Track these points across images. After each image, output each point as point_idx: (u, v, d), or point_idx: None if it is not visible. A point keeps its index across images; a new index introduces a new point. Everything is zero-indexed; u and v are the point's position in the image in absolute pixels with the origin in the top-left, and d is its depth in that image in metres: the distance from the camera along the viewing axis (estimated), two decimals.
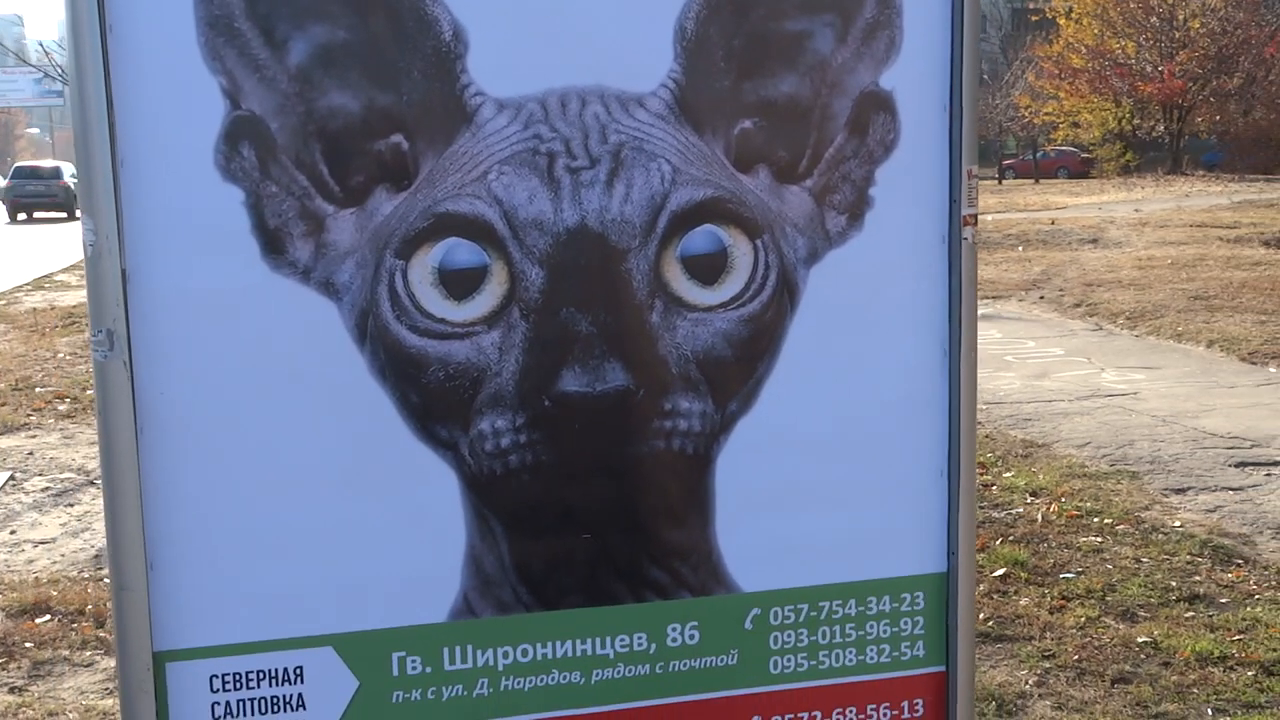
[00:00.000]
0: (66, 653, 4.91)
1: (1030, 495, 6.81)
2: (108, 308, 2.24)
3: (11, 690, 4.58)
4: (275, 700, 2.43)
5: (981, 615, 5.04)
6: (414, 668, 2.48)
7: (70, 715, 4.38)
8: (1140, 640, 4.82)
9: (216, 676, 2.40)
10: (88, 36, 2.18)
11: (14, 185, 41.07)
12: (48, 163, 44.53)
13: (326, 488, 2.40)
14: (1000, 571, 5.59)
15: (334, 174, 2.33)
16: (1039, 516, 6.40)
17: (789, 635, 2.65)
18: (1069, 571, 5.61)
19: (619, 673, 2.57)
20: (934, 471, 2.66)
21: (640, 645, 2.58)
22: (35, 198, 40.53)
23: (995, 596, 5.35)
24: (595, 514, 2.52)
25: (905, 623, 2.70)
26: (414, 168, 2.36)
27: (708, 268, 2.48)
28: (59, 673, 4.74)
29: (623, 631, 2.56)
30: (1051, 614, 5.14)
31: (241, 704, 2.42)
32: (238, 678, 2.41)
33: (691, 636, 2.60)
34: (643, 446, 2.50)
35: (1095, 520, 6.35)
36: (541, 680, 2.54)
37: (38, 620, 5.20)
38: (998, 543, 5.98)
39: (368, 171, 2.34)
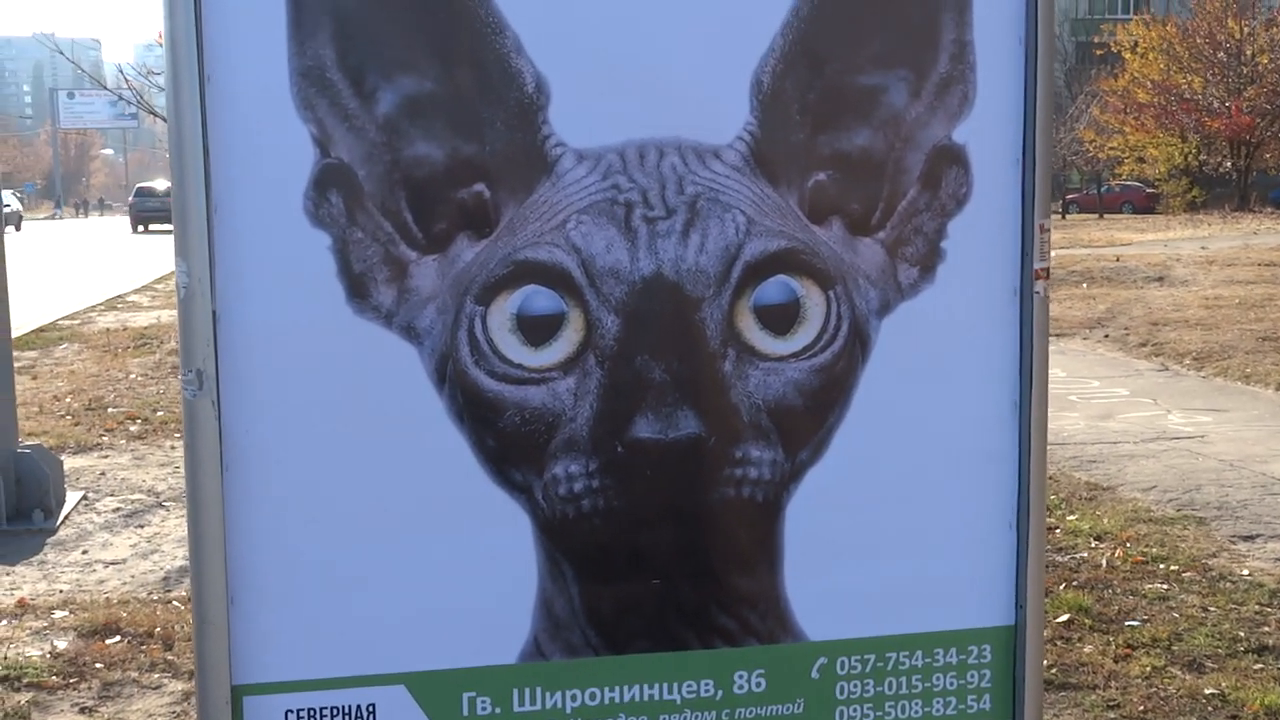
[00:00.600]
0: (135, 674, 4.99)
1: (1095, 540, 6.75)
2: (198, 348, 2.30)
3: (82, 710, 4.66)
4: None
5: (1045, 662, 5.00)
6: (484, 708, 2.52)
7: None
8: (1207, 692, 4.75)
9: (292, 711, 2.45)
10: (186, 86, 2.26)
11: (136, 203, 51.33)
12: (161, 184, 52.04)
13: (403, 528, 2.45)
14: (1064, 618, 5.53)
15: (418, 221, 2.39)
16: (1104, 562, 6.34)
17: (855, 685, 2.66)
18: (1134, 619, 5.55)
19: (686, 718, 2.59)
20: (1003, 524, 2.67)
21: (707, 692, 2.60)
22: (151, 213, 49.06)
23: (1059, 643, 5.29)
24: (665, 560, 2.55)
25: (972, 675, 2.70)
26: (495, 216, 2.41)
27: (780, 318, 2.51)
28: (128, 694, 4.81)
29: (690, 678, 2.58)
30: (1116, 663, 5.08)
31: None
32: (313, 713, 2.45)
33: (758, 684, 2.62)
34: (713, 494, 2.53)
35: (1161, 567, 6.27)
36: None
37: (108, 641, 5.28)
38: (1061, 588, 5.92)
39: (450, 219, 2.40)
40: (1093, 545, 6.63)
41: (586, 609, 2.53)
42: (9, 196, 58.62)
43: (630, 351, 2.46)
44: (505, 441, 2.45)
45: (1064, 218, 44.36)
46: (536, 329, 2.43)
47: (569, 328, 2.45)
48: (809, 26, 2.48)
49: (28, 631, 5.43)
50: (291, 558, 2.41)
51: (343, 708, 2.46)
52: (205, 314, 2.29)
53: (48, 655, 5.11)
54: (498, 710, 2.52)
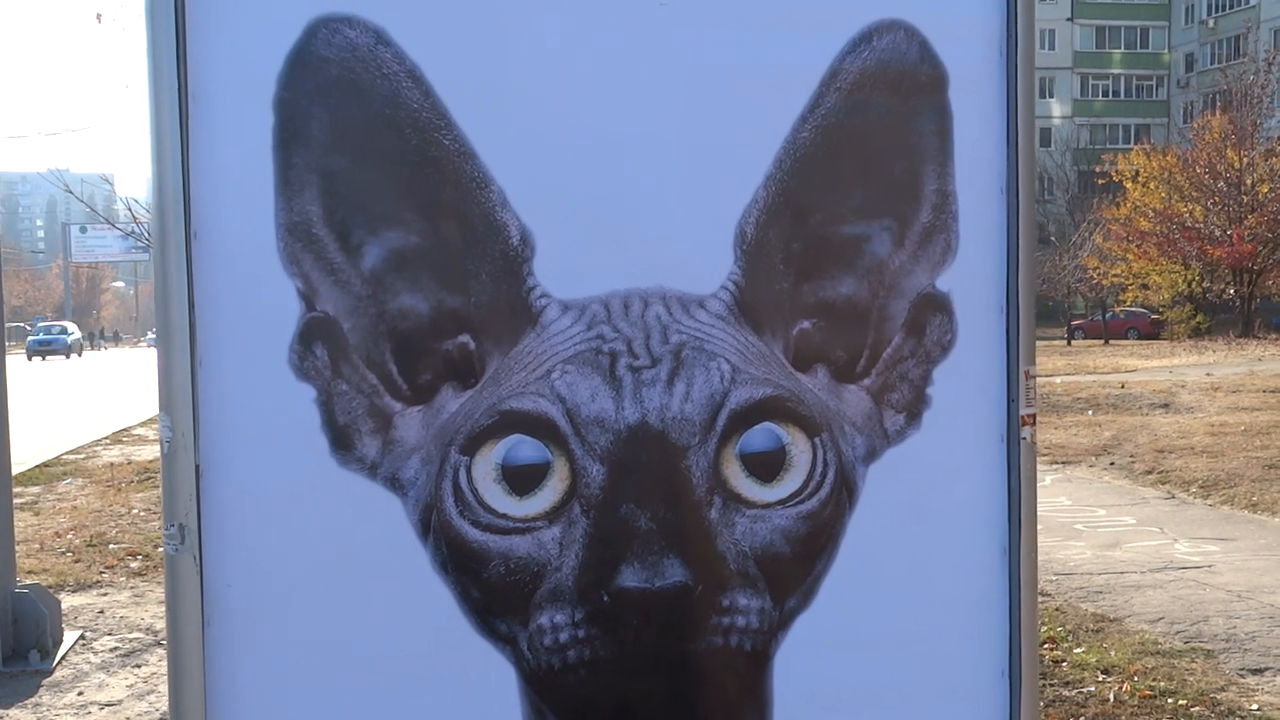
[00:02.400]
0: None
1: (1102, 673, 6.64)
2: (181, 502, 2.31)
3: None
4: None
5: None
6: None
7: None
8: None
9: None
10: (173, 241, 2.29)
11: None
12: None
13: (387, 680, 2.42)
14: None
15: (402, 373, 2.40)
16: (1111, 696, 6.23)
17: None
18: None
19: None
20: (995, 672, 2.63)
21: None
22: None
23: None
24: (652, 711, 2.51)
25: None
26: (480, 366, 2.43)
27: (766, 465, 2.51)
28: None
29: None
30: None
31: None
32: None
33: None
34: (700, 642, 2.50)
35: (1169, 701, 6.17)
36: None
37: None
38: None
39: (435, 370, 2.41)
40: (1100, 679, 6.53)
41: None
42: (71, 326, 64.43)
43: (616, 500, 2.45)
44: (490, 592, 2.44)
45: (1069, 344, 44.49)
46: (522, 479, 2.43)
47: (554, 477, 2.44)
48: (792, 178, 2.52)
49: None
50: (274, 710, 2.38)
51: None
52: (188, 468, 2.30)
53: None
54: None
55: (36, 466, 15.55)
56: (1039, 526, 8.14)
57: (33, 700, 6.46)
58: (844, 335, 2.56)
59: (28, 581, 7.81)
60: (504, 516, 2.43)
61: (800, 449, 2.53)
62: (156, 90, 2.29)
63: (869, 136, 2.54)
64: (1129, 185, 46.29)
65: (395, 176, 2.39)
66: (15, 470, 14.20)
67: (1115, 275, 46.24)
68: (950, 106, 2.57)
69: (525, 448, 2.44)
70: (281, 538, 2.37)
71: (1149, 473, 13.81)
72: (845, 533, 2.57)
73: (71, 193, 20.81)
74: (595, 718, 2.50)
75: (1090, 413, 19.59)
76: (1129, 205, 45.93)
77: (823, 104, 2.53)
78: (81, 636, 7.61)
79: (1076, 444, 16.10)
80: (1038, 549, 2.64)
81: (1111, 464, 14.55)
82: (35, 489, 13.84)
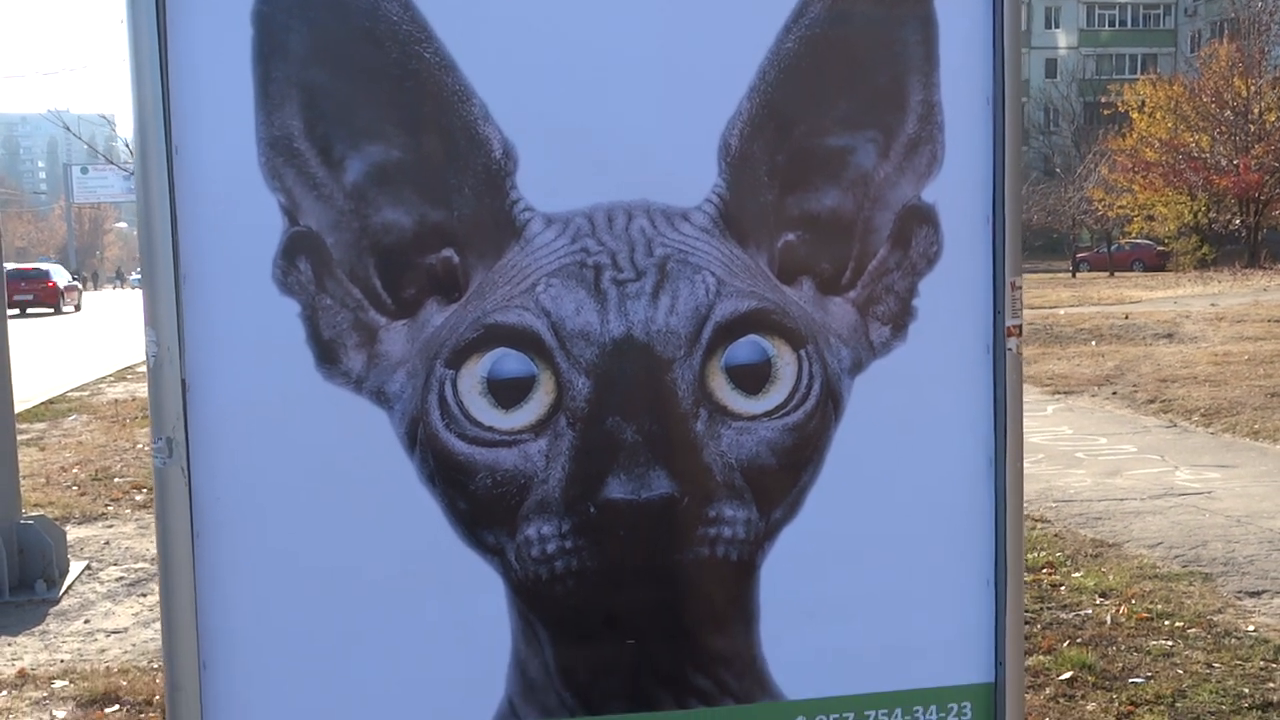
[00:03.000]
0: None
1: (1100, 596, 6.69)
2: (168, 416, 2.32)
3: None
4: None
5: None
6: None
7: None
8: None
9: None
10: (154, 157, 2.29)
11: None
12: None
13: (376, 592, 2.45)
14: (1067, 675, 5.47)
15: (387, 287, 2.41)
16: (1108, 618, 6.28)
17: None
18: (1138, 676, 5.49)
19: None
20: (981, 581, 2.66)
21: None
22: None
23: (1061, 701, 5.24)
24: (639, 620, 2.54)
25: None
26: (464, 280, 2.43)
27: (752, 377, 2.52)
28: None
29: None
30: None
31: None
32: None
33: None
34: (687, 553, 2.52)
35: (1166, 623, 6.21)
36: None
37: (107, 710, 5.25)
38: (1065, 645, 5.87)
39: (419, 284, 2.42)
40: (1097, 602, 6.58)
41: (561, 670, 2.52)
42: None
43: (602, 413, 2.47)
44: (477, 504, 2.46)
45: (1074, 276, 44.37)
46: (507, 392, 2.44)
47: (540, 390, 2.45)
48: (776, 90, 2.50)
49: (27, 702, 5.42)
50: (263, 623, 2.41)
51: None
52: (174, 383, 2.31)
53: None
54: None
55: (42, 403, 15.62)
56: (1040, 455, 8.19)
57: (40, 628, 6.53)
58: (829, 247, 2.55)
59: (34, 514, 7.87)
60: (490, 429, 2.45)
61: (785, 361, 2.54)
62: (134, 5, 2.28)
63: (853, 47, 2.53)
64: (1135, 116, 45.97)
65: (375, 90, 2.38)
66: (22, 407, 14.26)
67: (1121, 207, 46.05)
68: (935, 16, 2.56)
69: (510, 361, 2.44)
70: (269, 451, 2.39)
71: (1151, 402, 13.83)
72: (831, 444, 2.58)
73: (72, 133, 20.75)
74: (583, 628, 2.52)
75: (1093, 343, 19.59)
76: (1135, 136, 45.64)
77: (807, 14, 2.51)
78: (87, 567, 7.67)
79: (1079, 374, 16.11)
80: (1023, 459, 2.65)
81: (1114, 394, 14.57)
82: (41, 425, 13.91)
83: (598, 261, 2.46)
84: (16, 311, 41.37)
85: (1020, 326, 2.59)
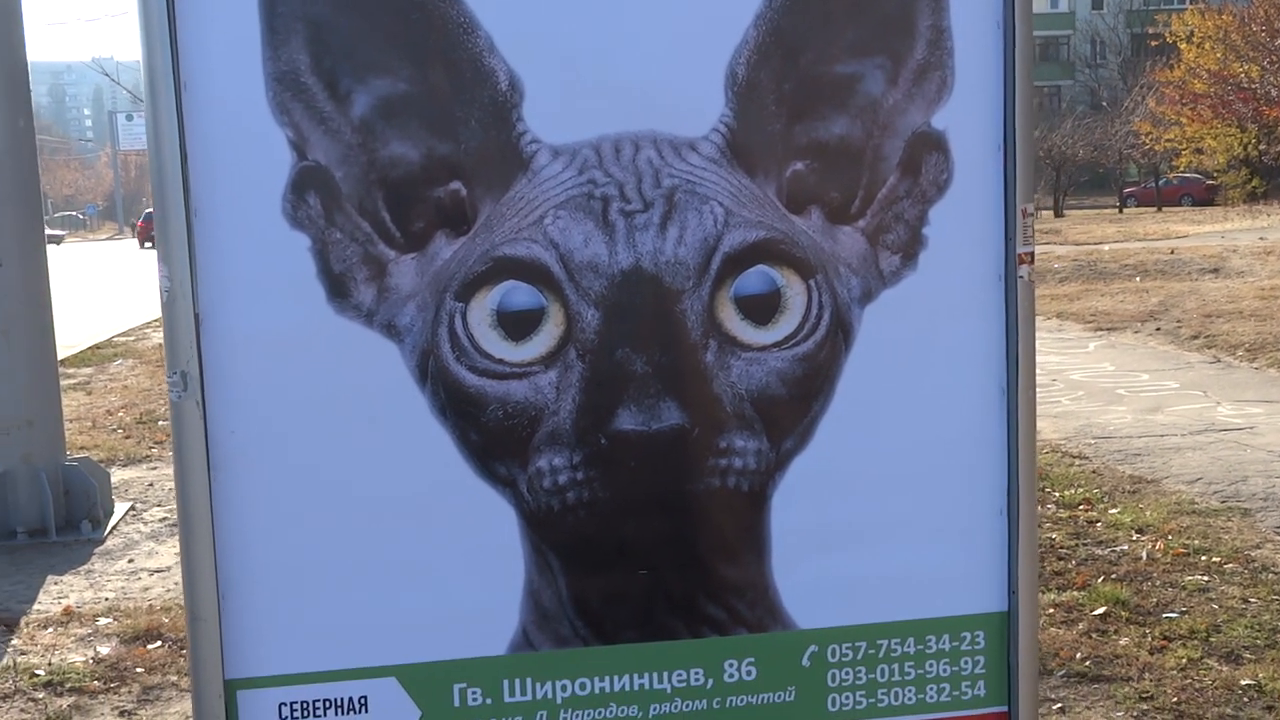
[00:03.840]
0: (174, 678, 5.06)
1: (1136, 532, 6.68)
2: (182, 350, 2.35)
3: (121, 713, 4.73)
4: None
5: (1078, 655, 4.96)
6: (474, 699, 2.55)
7: None
8: (1244, 683, 4.69)
9: (285, 704, 2.49)
10: (163, 93, 2.31)
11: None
12: None
13: (389, 523, 2.48)
14: (1100, 610, 5.47)
15: (395, 220, 2.42)
16: (1144, 554, 6.27)
17: (847, 673, 2.66)
18: (1172, 611, 5.49)
19: (676, 707, 2.61)
20: (993, 510, 2.66)
21: (697, 680, 2.61)
22: None
23: (1094, 636, 5.25)
24: (651, 550, 2.56)
25: (965, 662, 2.70)
26: (472, 213, 2.44)
27: (761, 308, 2.52)
28: (166, 698, 4.88)
29: (679, 667, 2.60)
30: (1152, 654, 5.02)
31: None
32: (305, 706, 2.49)
33: (749, 673, 2.63)
34: (698, 484, 2.54)
35: (1202, 559, 6.19)
36: (599, 713, 2.59)
37: (149, 646, 5.36)
38: (1099, 580, 5.86)
39: (428, 218, 2.43)
40: (1134, 538, 6.56)
41: (574, 600, 2.55)
42: None
43: (611, 344, 2.48)
44: (488, 436, 2.48)
45: (1121, 211, 43.88)
46: (517, 324, 2.46)
47: (549, 322, 2.47)
48: (783, 17, 2.49)
49: (72, 638, 5.54)
50: (280, 554, 2.45)
51: (335, 700, 2.50)
52: (188, 317, 2.34)
53: (90, 661, 5.20)
54: (488, 701, 2.55)
55: (89, 348, 15.82)
56: (1081, 392, 8.14)
57: (85, 567, 6.67)
58: (838, 176, 2.54)
59: (79, 456, 7.99)
60: (500, 361, 2.46)
61: (795, 291, 2.54)
62: None
63: None
64: (1183, 47, 45.11)
65: (381, 23, 2.38)
66: (69, 352, 14.45)
67: (1168, 140, 45.35)
68: None
69: (520, 293, 2.46)
70: (282, 384, 2.42)
71: (1195, 337, 13.71)
72: (842, 374, 2.58)
73: (113, 80, 20.84)
74: (596, 557, 2.55)
75: (1138, 279, 19.40)
76: (1183, 68, 44.84)
77: None
78: (132, 508, 7.80)
79: (1122, 310, 15.98)
80: (1036, 387, 2.64)
81: (1157, 329, 14.45)
82: (88, 370, 14.10)
83: (605, 193, 2.46)
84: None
85: (1032, 254, 2.58)
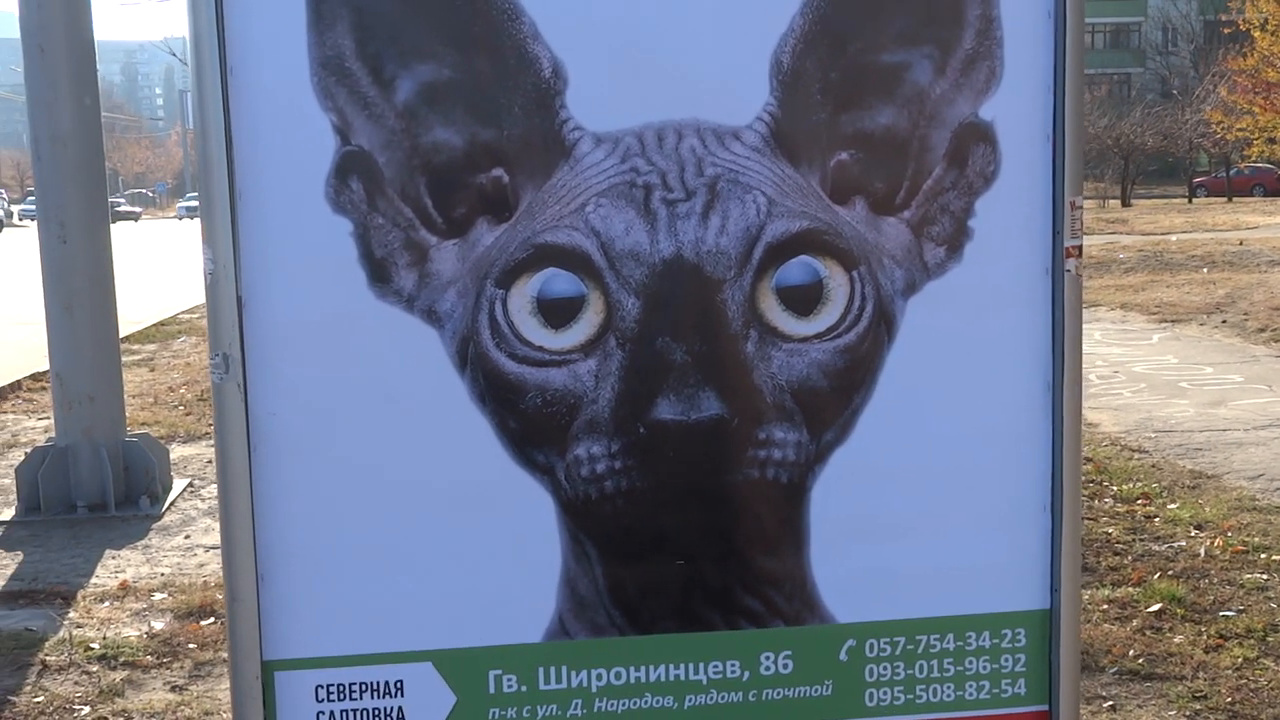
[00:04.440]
0: (226, 655, 5.12)
1: (1194, 528, 6.58)
2: (224, 332, 2.37)
3: (173, 688, 4.80)
4: (376, 712, 2.53)
5: (1131, 652, 4.90)
6: (510, 686, 2.55)
7: (224, 715, 4.57)
8: None
9: (322, 686, 2.51)
10: (209, 77, 2.32)
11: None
12: None
13: (428, 508, 2.49)
14: (1155, 607, 5.40)
15: (437, 206, 2.42)
16: (1202, 551, 6.18)
17: (885, 668, 2.64)
18: (1229, 609, 5.41)
19: (712, 699, 2.60)
20: (1037, 506, 2.63)
21: (733, 672, 2.60)
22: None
23: (1148, 633, 5.18)
24: (689, 540, 2.55)
25: (1006, 659, 2.67)
26: (514, 200, 2.44)
27: (803, 299, 2.50)
28: (217, 674, 4.94)
29: (715, 658, 2.59)
30: (1207, 653, 4.95)
31: (345, 714, 2.52)
32: (342, 688, 2.51)
33: (785, 666, 2.61)
34: (737, 475, 2.53)
35: (1262, 556, 6.10)
36: (634, 703, 2.59)
37: (202, 622, 5.43)
38: (1155, 577, 5.79)
39: (469, 204, 2.43)
40: (1192, 534, 6.47)
41: (610, 589, 2.55)
42: None
43: (651, 333, 2.47)
44: (527, 423, 2.48)
45: (1190, 201, 43.23)
46: (557, 311, 2.45)
47: (589, 310, 2.46)
48: (830, 5, 2.46)
49: (128, 613, 5.62)
50: (319, 537, 2.46)
51: (371, 684, 2.52)
52: (230, 299, 2.36)
53: (144, 635, 5.28)
54: (523, 688, 2.55)
55: (153, 325, 16.03)
56: (1143, 385, 8.02)
57: (143, 542, 6.76)
58: (883, 166, 2.52)
59: (139, 432, 8.10)
60: (540, 349, 2.46)
61: (838, 282, 2.52)
62: None
63: None
64: (1257, 34, 44.22)
65: (426, 9, 2.38)
66: (134, 329, 14.63)
67: (1240, 130, 44.48)
68: None
69: (560, 281, 2.45)
70: (323, 368, 2.43)
71: (1262, 330, 13.49)
72: (884, 366, 2.56)
73: (184, 61, 21.07)
74: (632, 547, 2.54)
75: (1205, 270, 19.11)
76: (1256, 56, 43.96)
77: None
78: (190, 484, 7.90)
79: (1188, 302, 15.75)
80: (1082, 382, 2.61)
81: (1224, 322, 14.23)
82: (152, 346, 14.30)
83: (647, 181, 2.45)
84: None
85: (1080, 247, 2.54)
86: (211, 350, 2.39)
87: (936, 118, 2.52)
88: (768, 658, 2.61)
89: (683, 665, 2.59)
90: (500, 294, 2.44)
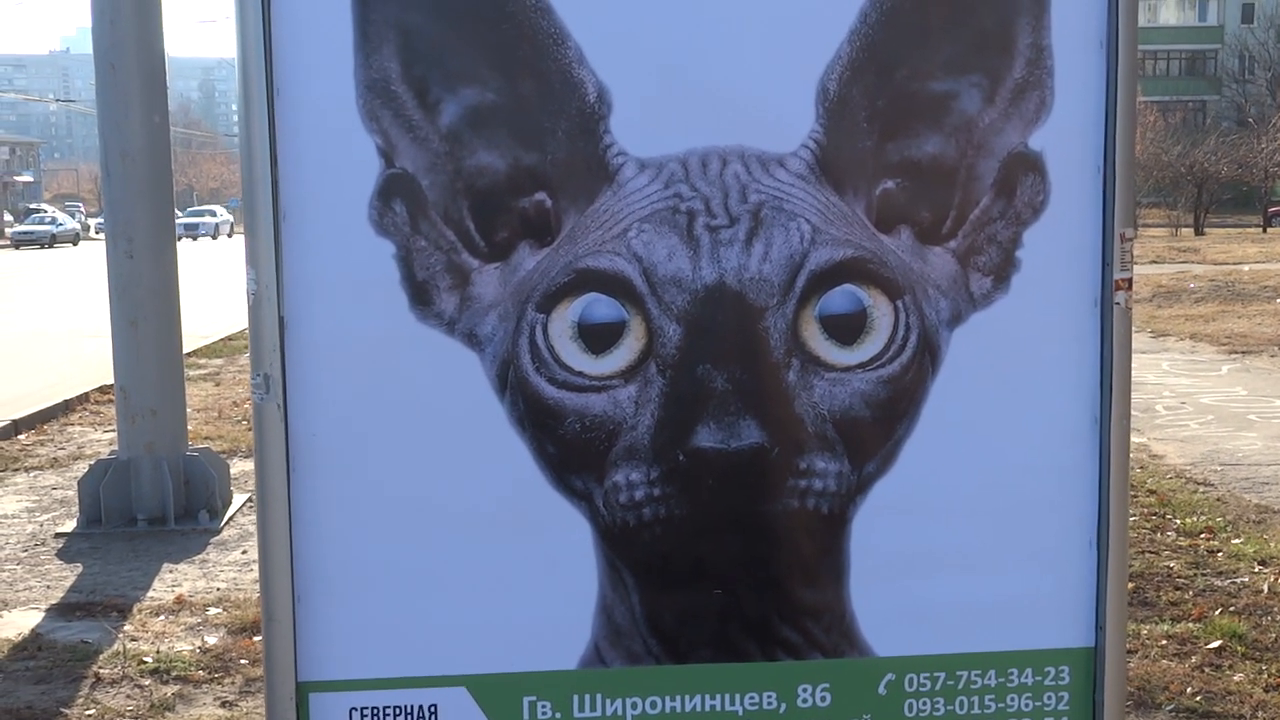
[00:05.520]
0: None
1: (1258, 564, 6.46)
2: (266, 353, 2.38)
3: (223, 704, 4.83)
4: None
5: (1189, 689, 4.81)
6: (544, 713, 2.54)
7: None
8: None
9: (356, 709, 2.51)
10: (256, 98, 2.34)
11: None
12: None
13: (465, 532, 2.49)
14: (1215, 644, 5.30)
15: (480, 230, 2.43)
16: (1265, 587, 6.06)
17: (925, 703, 2.60)
18: None
19: None
20: (1083, 542, 2.58)
21: (770, 704, 2.57)
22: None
23: (1207, 670, 5.08)
24: (727, 570, 2.53)
25: (1049, 697, 2.62)
26: (556, 224, 2.43)
27: (846, 328, 2.48)
28: None
29: (752, 689, 2.57)
30: (1267, 692, 4.85)
31: None
32: (376, 711, 2.51)
33: (823, 698, 2.58)
34: (776, 504, 2.50)
35: None
36: None
37: (255, 639, 5.45)
38: (1216, 613, 5.68)
39: (512, 228, 2.43)
40: (1255, 570, 6.35)
41: (647, 617, 2.53)
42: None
43: (692, 360, 2.45)
44: (566, 448, 2.47)
45: (1265, 231, 42.56)
46: (598, 337, 2.45)
47: (630, 336, 2.45)
48: (878, 33, 2.44)
49: (182, 627, 5.67)
50: (356, 558, 2.47)
51: (405, 707, 2.51)
52: (273, 320, 2.37)
53: (197, 650, 5.31)
54: (558, 715, 2.54)
55: (221, 340, 16.20)
56: (1210, 417, 7.89)
57: (200, 556, 6.82)
58: (929, 195, 2.49)
59: (200, 446, 8.19)
60: (580, 374, 2.45)
61: (882, 311, 2.49)
62: None
63: None
64: None
65: (472, 33, 2.39)
66: (202, 343, 14.79)
67: None
68: None
69: (601, 306, 2.45)
70: (363, 390, 2.44)
71: None
72: (928, 398, 2.52)
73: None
74: (670, 575, 2.52)
75: (1278, 301, 18.79)
76: None
77: None
78: (250, 499, 7.96)
79: (1259, 333, 15.49)
80: (1130, 417, 2.56)
81: None
82: (219, 361, 14.46)
83: (691, 207, 2.44)
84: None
85: (1130, 280, 2.49)
86: (253, 370, 2.40)
87: (984, 147, 2.49)
88: (805, 690, 2.58)
89: (719, 696, 2.56)
90: (541, 318, 2.44)
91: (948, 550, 2.57)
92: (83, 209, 68.26)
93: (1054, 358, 2.54)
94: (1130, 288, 2.50)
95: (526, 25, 2.39)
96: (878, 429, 2.51)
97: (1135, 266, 2.60)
